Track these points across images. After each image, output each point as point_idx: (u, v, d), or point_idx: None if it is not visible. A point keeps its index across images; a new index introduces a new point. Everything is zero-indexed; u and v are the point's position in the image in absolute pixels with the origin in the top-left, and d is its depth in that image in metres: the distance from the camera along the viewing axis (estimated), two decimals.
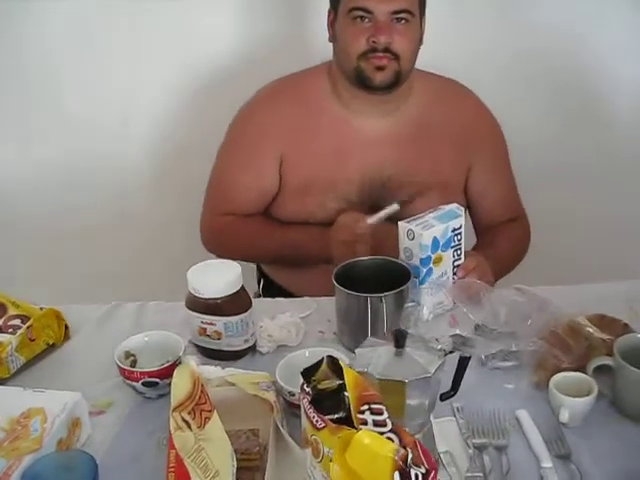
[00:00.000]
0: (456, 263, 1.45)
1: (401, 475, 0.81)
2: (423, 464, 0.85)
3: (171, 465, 1.03)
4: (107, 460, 1.14)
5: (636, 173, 2.20)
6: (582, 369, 1.22)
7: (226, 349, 1.36)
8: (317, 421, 0.87)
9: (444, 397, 1.12)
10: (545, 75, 2.19)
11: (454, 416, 1.20)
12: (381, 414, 0.89)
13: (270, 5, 2.12)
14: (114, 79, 2.14)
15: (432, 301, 1.42)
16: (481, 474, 1.09)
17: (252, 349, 1.38)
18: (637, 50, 2.19)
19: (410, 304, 1.24)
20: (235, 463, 1.04)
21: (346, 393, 0.92)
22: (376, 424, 0.88)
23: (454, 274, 1.46)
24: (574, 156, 2.20)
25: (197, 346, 1.38)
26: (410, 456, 0.83)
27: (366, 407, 0.90)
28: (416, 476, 0.82)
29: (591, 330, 1.25)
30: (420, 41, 1.61)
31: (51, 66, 2.13)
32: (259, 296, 1.87)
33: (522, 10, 2.12)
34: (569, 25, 2.13)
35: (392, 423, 0.88)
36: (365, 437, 0.82)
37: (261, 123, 1.68)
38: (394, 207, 1.52)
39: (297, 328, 1.41)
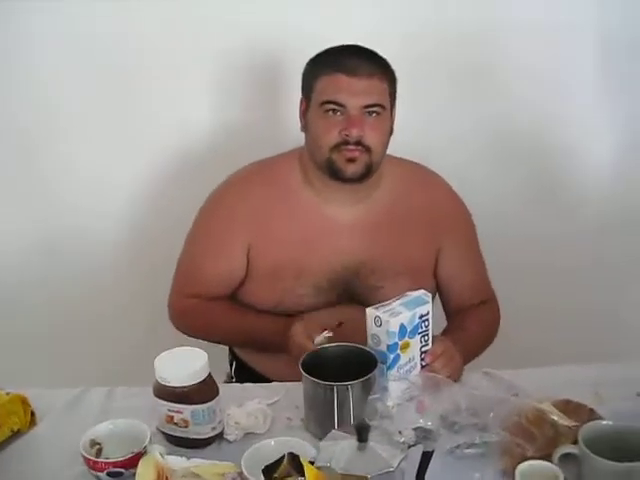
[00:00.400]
0: (424, 349, 1.45)
1: None
2: None
3: None
4: None
5: (602, 259, 2.25)
6: (548, 457, 1.22)
7: (193, 437, 1.35)
8: None
9: None
10: (511, 156, 2.25)
11: None
12: None
13: (244, 92, 2.17)
14: (83, 162, 2.17)
15: (399, 387, 1.42)
16: None
17: (219, 437, 1.37)
18: (604, 129, 2.25)
19: (375, 396, 1.24)
20: None
21: None
22: None
23: (422, 359, 1.46)
24: (543, 240, 2.24)
25: (164, 433, 1.37)
26: None
27: None
28: None
29: (556, 418, 1.26)
30: (390, 131, 1.65)
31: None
32: (231, 378, 1.86)
33: (488, 92, 2.18)
34: (537, 103, 2.19)
35: None
36: None
37: (230, 208, 1.70)
38: (327, 336, 1.50)
39: (264, 415, 1.40)
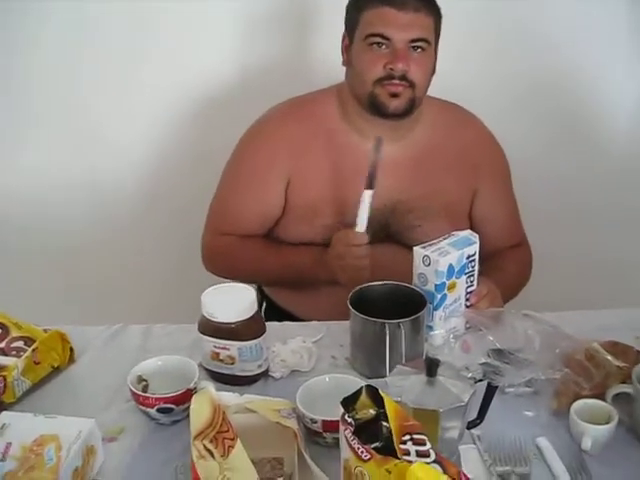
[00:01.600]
0: (469, 290, 1.45)
1: None
2: None
3: None
4: None
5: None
6: (600, 396, 1.22)
7: (239, 374, 1.33)
8: (363, 452, 0.86)
9: (470, 425, 1.12)
10: (539, 95, 2.21)
11: (474, 444, 1.20)
12: (424, 444, 0.88)
13: (273, 28, 2.11)
14: (113, 96, 2.12)
15: (445, 327, 1.42)
16: None
17: (265, 374, 1.36)
18: (631, 70, 2.22)
19: (436, 332, 1.23)
20: None
21: (384, 423, 0.91)
22: (419, 454, 0.87)
23: (467, 300, 1.45)
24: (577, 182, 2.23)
25: (208, 370, 1.36)
26: None
27: (408, 437, 0.89)
28: None
29: (609, 357, 1.26)
30: (433, 69, 1.62)
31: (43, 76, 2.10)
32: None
33: (514, 27, 2.14)
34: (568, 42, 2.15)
35: (435, 453, 0.88)
36: (419, 470, 0.81)
37: (270, 144, 1.67)
38: (366, 194, 1.48)
39: (309, 353, 1.39)
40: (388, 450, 0.87)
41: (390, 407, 0.90)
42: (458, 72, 2.08)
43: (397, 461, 0.83)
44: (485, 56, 2.14)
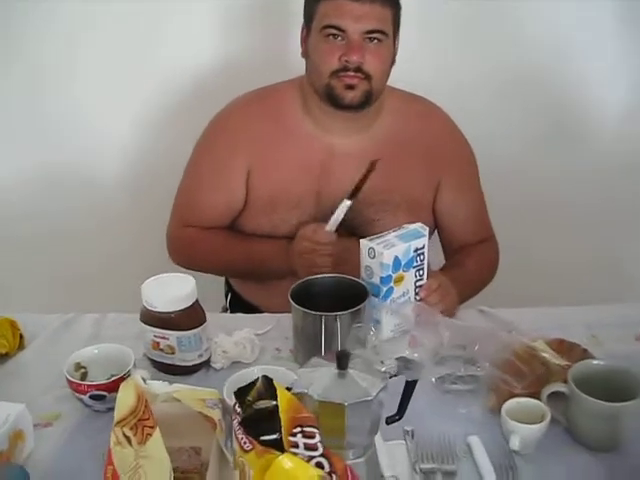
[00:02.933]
0: (418, 283, 1.43)
1: None
2: None
3: None
4: (49, 474, 1.14)
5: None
6: (537, 395, 1.20)
7: (179, 364, 1.34)
8: (245, 443, 0.86)
9: (390, 421, 1.10)
10: (522, 90, 2.18)
11: (404, 439, 1.18)
12: (313, 437, 0.87)
13: (251, 20, 2.11)
14: (94, 87, 2.13)
15: (392, 321, 1.40)
16: None
17: (206, 364, 1.36)
18: (618, 69, 2.18)
19: (358, 325, 1.22)
20: None
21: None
22: (307, 447, 0.86)
23: (416, 294, 1.44)
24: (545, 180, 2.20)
25: (151, 360, 1.36)
26: None
27: (298, 429, 0.88)
28: None
29: (547, 356, 1.23)
30: (392, 61, 1.60)
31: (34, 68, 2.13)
32: (226, 310, 1.85)
33: (503, 24, 2.12)
34: (551, 40, 2.13)
35: (323, 447, 0.86)
36: (287, 461, 0.80)
37: (232, 135, 1.67)
38: (345, 204, 1.49)
39: (252, 345, 1.39)
40: (276, 442, 0.86)
41: (283, 398, 0.89)
42: (443, 68, 2.08)
43: (272, 452, 0.82)
44: (471, 53, 2.13)
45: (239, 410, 0.89)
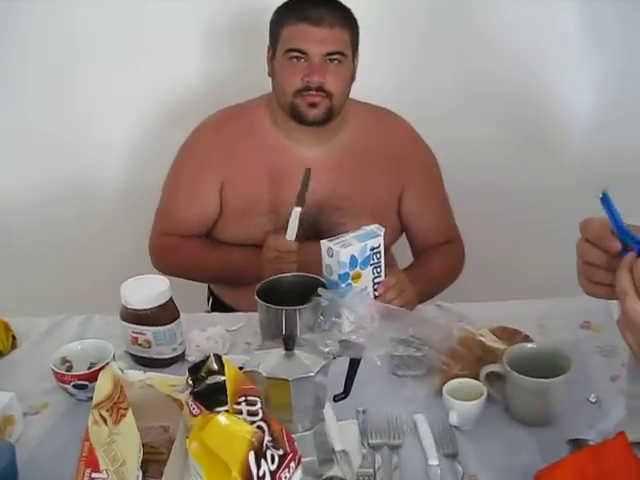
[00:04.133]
0: (377, 280, 1.55)
1: (256, 454, 0.91)
2: (283, 448, 0.95)
3: (84, 455, 1.14)
4: (36, 453, 1.27)
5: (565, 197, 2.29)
6: (477, 376, 1.31)
7: (156, 357, 1.46)
8: (193, 409, 0.97)
9: (337, 398, 1.22)
10: (492, 99, 2.29)
11: (356, 419, 1.30)
12: (254, 405, 0.99)
13: (232, 41, 2.25)
14: (83, 100, 2.28)
15: (351, 316, 1.51)
16: (371, 470, 1.18)
17: (181, 358, 1.49)
18: (586, 78, 2.29)
19: (321, 319, 1.34)
20: (141, 455, 1.13)
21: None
22: (249, 413, 0.98)
23: (375, 290, 1.55)
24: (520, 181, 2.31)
25: (131, 355, 1.49)
26: (268, 438, 0.93)
27: (242, 399, 1.00)
28: (272, 457, 0.92)
29: (484, 339, 1.35)
30: (352, 78, 1.74)
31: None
32: (208, 313, 1.97)
33: (470, 37, 2.24)
34: (518, 51, 2.23)
35: (263, 413, 0.98)
36: (223, 418, 0.92)
37: (203, 152, 1.81)
38: (296, 211, 1.61)
39: (224, 339, 1.52)
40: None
41: (230, 372, 1.01)
42: (409, 77, 2.20)
43: (214, 413, 0.94)
44: (439, 62, 2.25)
45: (190, 382, 1.01)
